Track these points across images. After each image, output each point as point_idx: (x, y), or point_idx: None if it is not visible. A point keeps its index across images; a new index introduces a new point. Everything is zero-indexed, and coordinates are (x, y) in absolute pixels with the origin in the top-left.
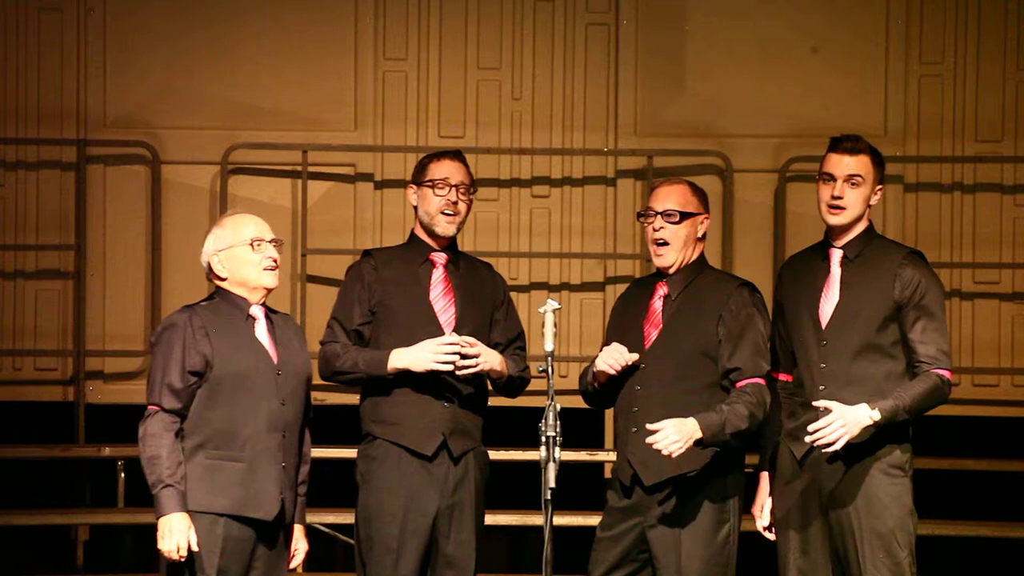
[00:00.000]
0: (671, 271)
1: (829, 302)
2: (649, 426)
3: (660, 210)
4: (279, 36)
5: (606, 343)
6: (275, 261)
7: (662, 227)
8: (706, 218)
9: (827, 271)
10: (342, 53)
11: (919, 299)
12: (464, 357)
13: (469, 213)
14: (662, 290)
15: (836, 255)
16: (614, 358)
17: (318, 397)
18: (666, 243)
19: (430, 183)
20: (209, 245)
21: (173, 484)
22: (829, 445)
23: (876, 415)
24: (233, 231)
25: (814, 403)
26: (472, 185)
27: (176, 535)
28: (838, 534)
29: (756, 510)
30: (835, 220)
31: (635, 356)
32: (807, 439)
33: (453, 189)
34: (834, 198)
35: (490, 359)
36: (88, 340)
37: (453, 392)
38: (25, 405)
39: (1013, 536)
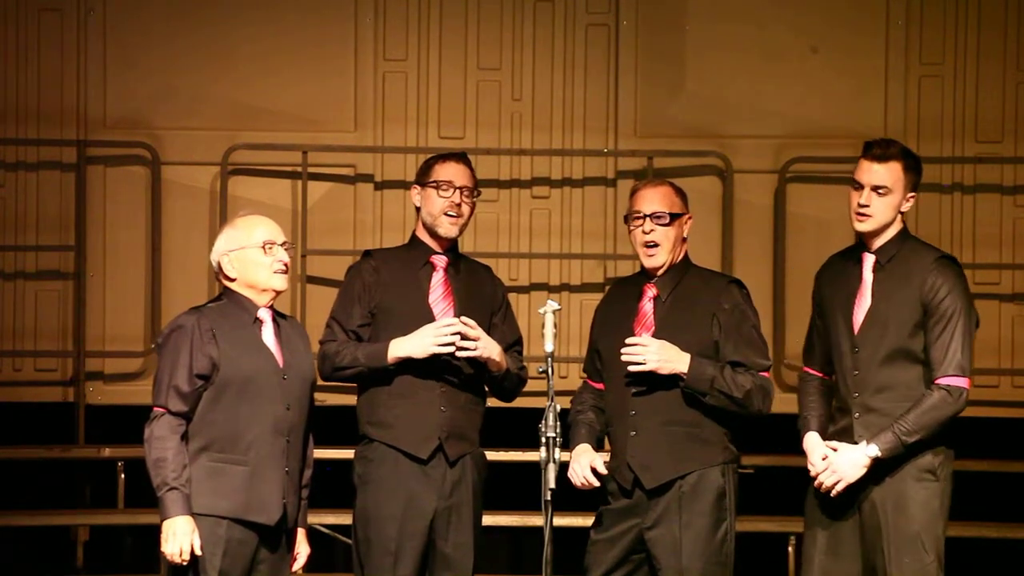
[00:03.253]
0: (660, 272)
1: (861, 308)
2: (631, 340)
3: (648, 212)
4: (279, 36)
5: (590, 351)
6: (285, 265)
7: (653, 229)
8: (689, 218)
9: (859, 276)
10: (342, 53)
11: (937, 304)
12: (464, 339)
13: (471, 216)
14: (651, 291)
15: (868, 260)
16: (586, 476)
17: (319, 398)
18: (657, 244)
19: (435, 184)
20: (220, 245)
21: (178, 487)
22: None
23: (874, 451)
24: (245, 232)
25: (828, 444)
26: (476, 189)
27: (180, 538)
28: (868, 536)
29: (815, 457)
30: (861, 227)
31: (603, 470)
32: (816, 483)
33: (458, 191)
34: (860, 206)
35: (490, 347)
36: (88, 341)
37: (451, 396)
38: (25, 406)
39: (1014, 537)
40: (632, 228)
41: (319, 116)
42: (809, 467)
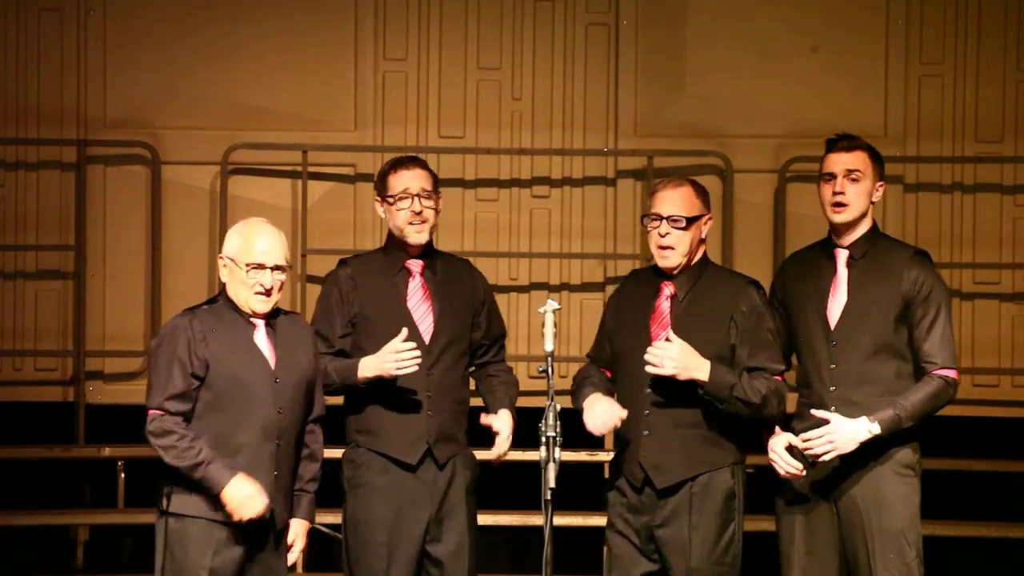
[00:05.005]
0: (675, 271)
1: (837, 302)
2: (653, 347)
3: (666, 215)
4: (279, 36)
5: (601, 340)
6: (265, 289)
7: (668, 232)
8: (710, 218)
9: (833, 271)
10: (342, 53)
11: (924, 298)
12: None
13: (439, 215)
14: (668, 290)
15: (842, 255)
16: (604, 423)
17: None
18: (672, 248)
19: (391, 198)
20: (224, 245)
21: (211, 459)
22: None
23: (876, 428)
24: (242, 247)
25: (812, 412)
26: (435, 188)
27: (244, 497)
28: (847, 533)
29: (778, 447)
30: (839, 218)
31: (624, 414)
32: (799, 445)
33: (415, 199)
34: (836, 194)
35: (508, 439)
36: (88, 340)
37: (436, 400)
38: (25, 405)
39: (1014, 536)
40: (649, 229)
41: (319, 116)
42: (771, 456)
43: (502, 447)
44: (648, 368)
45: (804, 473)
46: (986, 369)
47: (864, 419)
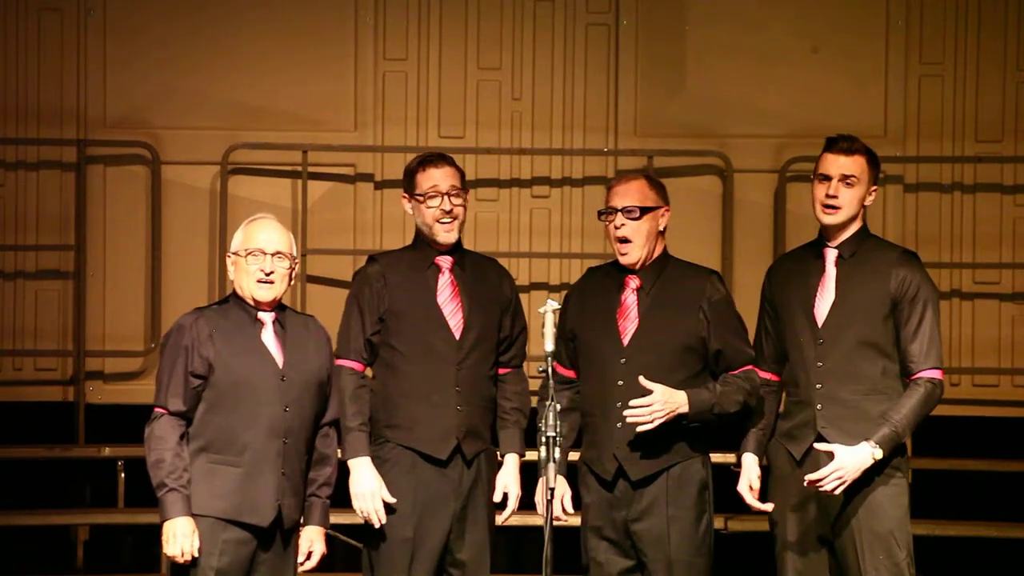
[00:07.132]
0: (637, 267)
1: (825, 300)
2: (634, 402)
3: (620, 207)
4: (279, 36)
5: (561, 336)
6: (265, 273)
7: (623, 224)
8: (667, 211)
9: (821, 270)
10: (342, 53)
11: (911, 298)
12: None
13: (467, 212)
14: (633, 283)
15: (831, 254)
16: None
17: None
18: (628, 240)
19: (420, 196)
20: (231, 244)
21: (177, 488)
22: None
23: (878, 452)
24: (244, 238)
25: (816, 446)
26: (464, 185)
27: (180, 540)
28: (836, 535)
29: (744, 487)
30: (829, 220)
31: (570, 509)
32: (806, 484)
33: (444, 197)
34: (828, 197)
35: (516, 501)
36: (88, 340)
37: (466, 395)
38: (25, 405)
39: (1014, 536)
40: (606, 223)
41: (319, 116)
42: (743, 490)
43: (509, 511)
44: (637, 429)
45: (771, 509)
46: (986, 369)
47: (865, 444)
